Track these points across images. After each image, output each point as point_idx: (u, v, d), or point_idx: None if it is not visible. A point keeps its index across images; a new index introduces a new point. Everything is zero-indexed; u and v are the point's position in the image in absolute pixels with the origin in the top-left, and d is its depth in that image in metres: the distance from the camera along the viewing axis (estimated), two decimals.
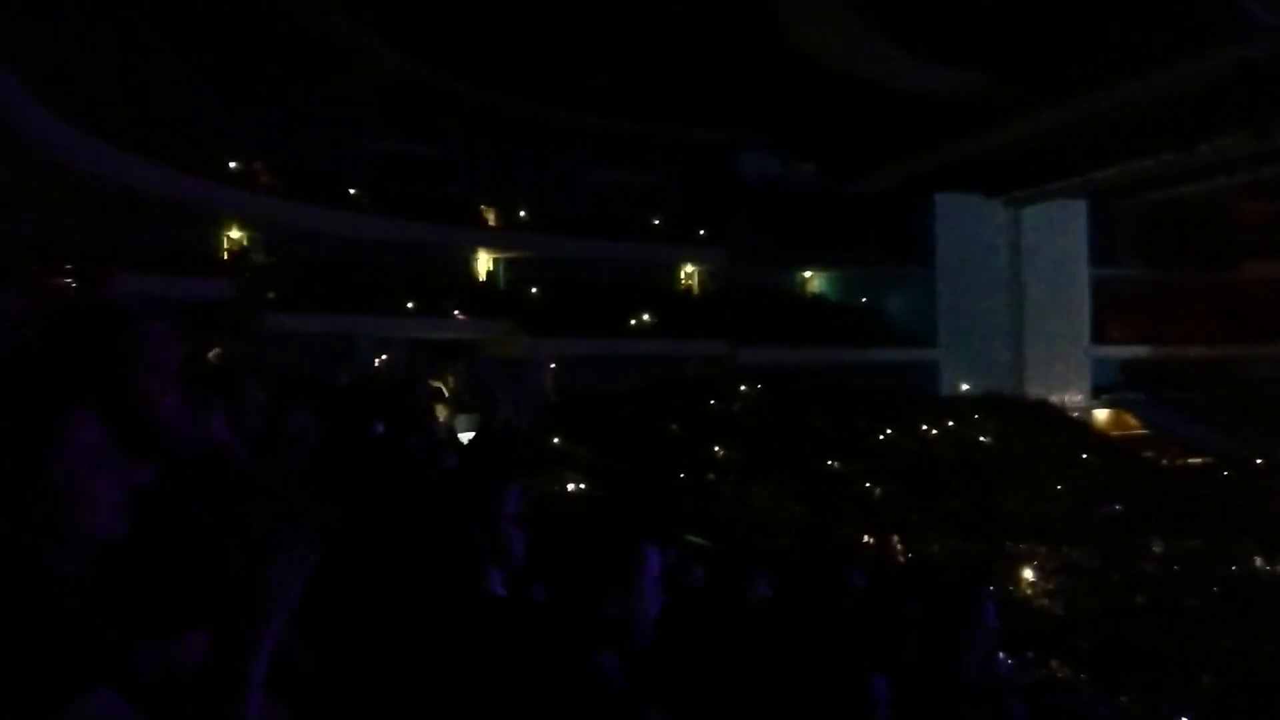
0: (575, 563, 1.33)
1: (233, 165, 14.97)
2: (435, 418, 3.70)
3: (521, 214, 19.10)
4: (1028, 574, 11.56)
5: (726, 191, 20.81)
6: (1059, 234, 21.62)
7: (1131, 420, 21.04)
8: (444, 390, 5.11)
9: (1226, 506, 13.02)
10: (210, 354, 5.64)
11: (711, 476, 14.67)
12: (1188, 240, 21.63)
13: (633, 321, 18.77)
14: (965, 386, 20.37)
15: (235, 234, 15.67)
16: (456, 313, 17.16)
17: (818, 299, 22.68)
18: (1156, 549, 11.85)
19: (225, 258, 15.54)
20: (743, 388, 18.47)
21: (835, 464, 15.67)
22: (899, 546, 12.29)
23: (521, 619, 1.29)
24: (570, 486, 12.42)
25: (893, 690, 1.67)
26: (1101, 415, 21.28)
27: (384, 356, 13.51)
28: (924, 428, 17.78)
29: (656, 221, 20.57)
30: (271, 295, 14.34)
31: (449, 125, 18.54)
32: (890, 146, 18.73)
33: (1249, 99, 14.79)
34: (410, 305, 16.54)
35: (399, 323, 15.99)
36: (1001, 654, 6.31)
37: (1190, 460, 17.38)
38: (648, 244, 20.08)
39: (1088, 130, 16.94)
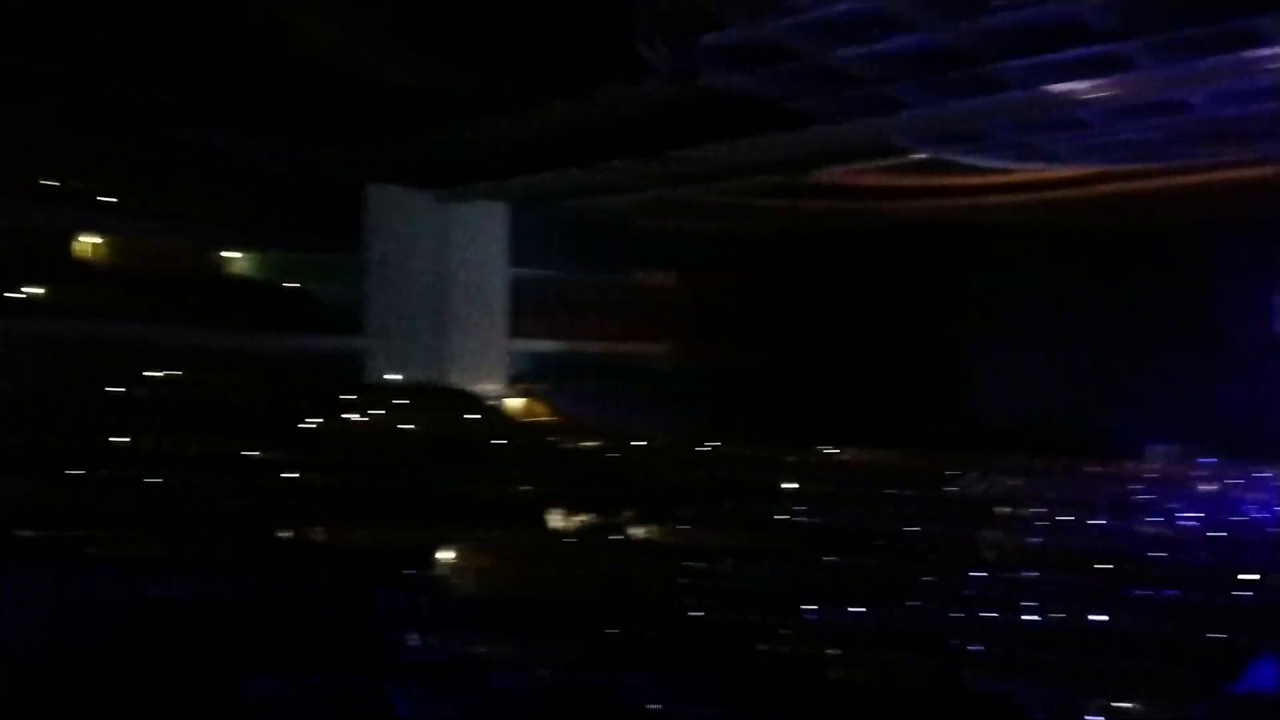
0: None
1: None
2: None
3: None
4: (449, 555, 12.01)
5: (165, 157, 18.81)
6: (483, 234, 22.94)
7: (542, 408, 23.16)
8: None
9: (619, 481, 14.75)
10: None
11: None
12: (594, 248, 24.34)
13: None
14: (393, 375, 20.73)
15: None
16: None
17: (242, 280, 21.57)
18: (562, 524, 13.07)
19: None
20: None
21: (258, 453, 14.96)
22: (322, 537, 12.05)
23: None
24: None
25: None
26: (517, 404, 23.01)
27: None
28: (351, 415, 17.72)
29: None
30: None
31: None
32: (335, 130, 18.49)
33: (649, 129, 17.04)
34: None
35: None
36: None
37: (590, 443, 19.36)
38: None
39: (514, 140, 18.31)
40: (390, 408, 18.50)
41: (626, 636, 6.28)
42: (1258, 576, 8.62)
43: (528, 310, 23.88)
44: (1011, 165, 18.92)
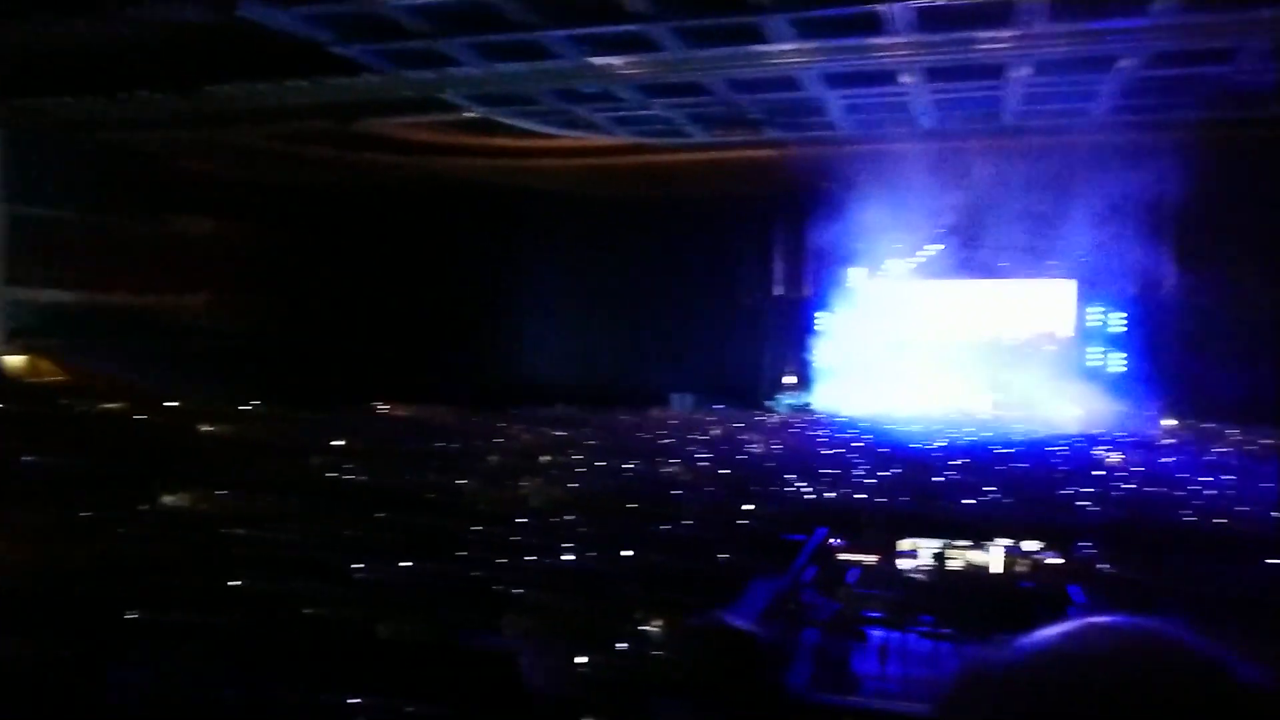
0: None
1: None
2: None
3: None
4: None
5: None
6: None
7: (50, 366, 20.34)
8: None
9: (146, 447, 13.47)
10: None
11: None
12: (121, 188, 21.68)
13: None
14: None
15: None
16: None
17: None
18: (78, 497, 11.65)
19: None
20: None
21: None
22: None
23: None
24: None
25: None
26: (17, 362, 20.05)
27: None
28: None
29: None
30: None
31: None
32: None
33: (184, 61, 15.45)
34: None
35: None
36: None
37: (111, 405, 17.46)
38: None
39: (18, 56, 15.72)
40: None
41: (153, 618, 5.80)
42: (753, 507, 9.96)
43: (32, 255, 20.82)
44: (556, 131, 19.82)
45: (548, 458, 13.17)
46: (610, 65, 15.14)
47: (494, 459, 13.21)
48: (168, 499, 10.44)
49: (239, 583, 6.74)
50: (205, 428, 15.37)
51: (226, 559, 7.48)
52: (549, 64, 15.17)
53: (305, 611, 6.29)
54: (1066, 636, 0.61)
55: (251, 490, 10.10)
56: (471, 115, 18.44)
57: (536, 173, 22.04)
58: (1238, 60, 15.01)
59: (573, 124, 19.41)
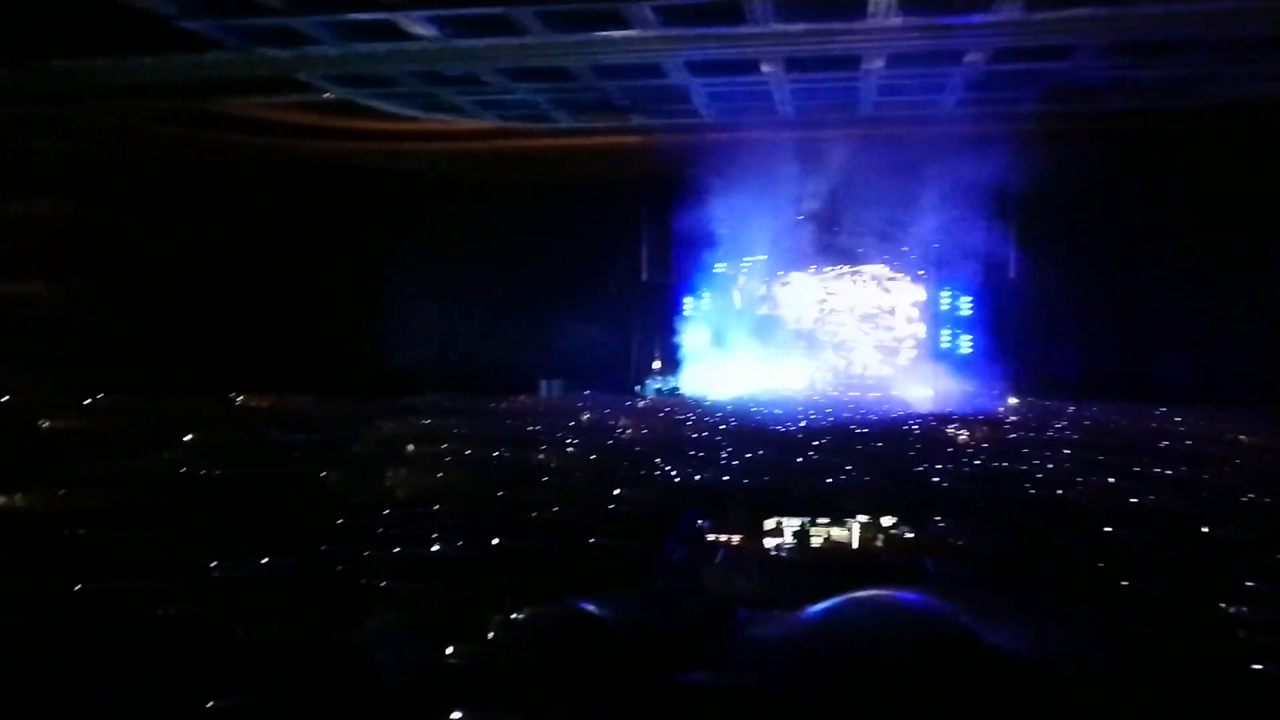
0: None
1: None
2: None
3: None
4: None
5: None
6: None
7: None
8: None
9: None
10: None
11: None
12: None
13: None
14: None
15: None
16: None
17: None
18: None
19: None
20: None
21: None
22: None
23: None
24: None
25: None
26: None
27: None
28: None
29: None
30: None
31: None
32: None
33: (25, 33, 14.52)
34: None
35: None
36: None
37: None
38: None
39: None
40: None
41: None
42: (620, 491, 10.05)
43: None
44: (420, 115, 19.47)
45: (414, 447, 12.96)
46: (473, 47, 14.95)
47: (358, 449, 12.93)
48: (4, 499, 9.84)
49: (84, 585, 6.43)
50: (46, 423, 14.53)
51: (71, 560, 7.12)
52: (409, 45, 14.87)
53: (159, 613, 6.05)
54: (831, 610, 0.65)
55: (98, 487, 9.61)
56: (330, 97, 17.93)
57: (400, 156, 21.59)
58: (1075, 57, 15.90)
59: (436, 107, 19.09)
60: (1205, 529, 8.34)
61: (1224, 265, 20.42)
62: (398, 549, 7.70)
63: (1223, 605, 6.08)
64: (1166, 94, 17.94)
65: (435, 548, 7.86)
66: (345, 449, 12.84)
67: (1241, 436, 14.56)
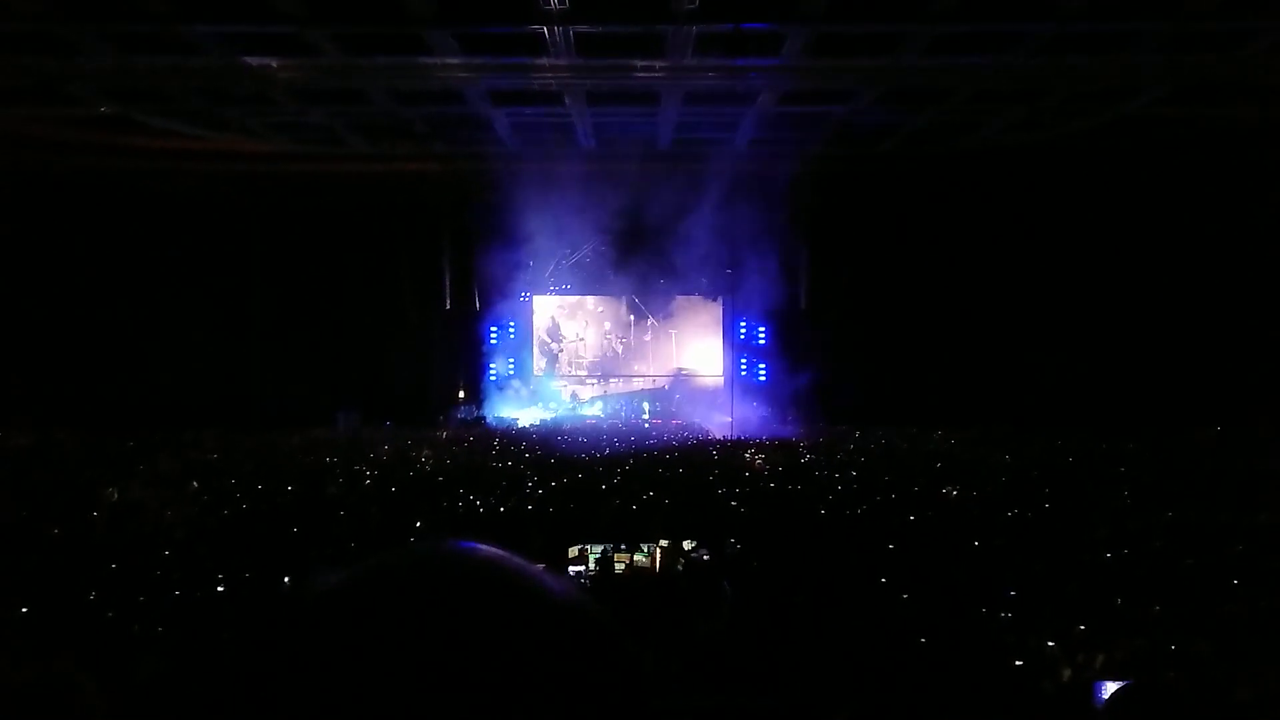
0: None
1: None
2: None
3: None
4: None
5: None
6: None
7: None
8: None
9: None
10: None
11: None
12: None
13: None
14: None
15: None
16: None
17: None
18: None
19: None
20: None
21: None
22: None
23: None
24: None
25: None
26: None
27: None
28: None
29: None
30: None
31: None
32: None
33: None
34: None
35: None
36: None
37: None
38: None
39: None
40: None
41: None
42: (420, 524, 9.82)
43: None
44: (204, 134, 18.53)
45: (196, 484, 12.21)
46: (264, 66, 14.39)
47: (132, 489, 12.04)
48: None
49: None
50: None
51: None
52: (194, 61, 14.14)
53: None
54: (360, 573, 0.64)
55: None
56: (105, 111, 16.80)
57: (181, 177, 20.43)
58: (854, 102, 16.92)
59: (223, 127, 18.21)
60: (975, 542, 8.94)
61: (991, 297, 22.15)
62: (176, 593, 7.21)
63: (985, 610, 6.54)
64: (931, 139, 19.38)
65: (220, 588, 7.40)
66: (117, 488, 11.93)
67: (1005, 456, 15.76)
